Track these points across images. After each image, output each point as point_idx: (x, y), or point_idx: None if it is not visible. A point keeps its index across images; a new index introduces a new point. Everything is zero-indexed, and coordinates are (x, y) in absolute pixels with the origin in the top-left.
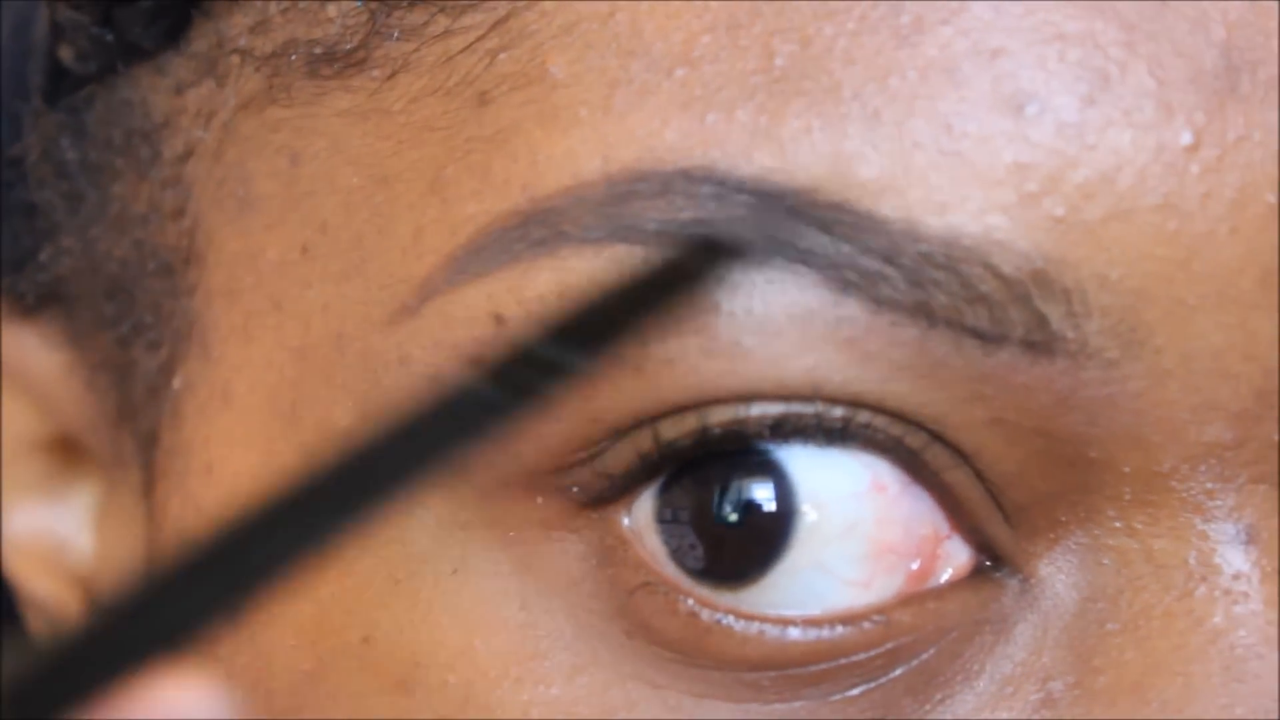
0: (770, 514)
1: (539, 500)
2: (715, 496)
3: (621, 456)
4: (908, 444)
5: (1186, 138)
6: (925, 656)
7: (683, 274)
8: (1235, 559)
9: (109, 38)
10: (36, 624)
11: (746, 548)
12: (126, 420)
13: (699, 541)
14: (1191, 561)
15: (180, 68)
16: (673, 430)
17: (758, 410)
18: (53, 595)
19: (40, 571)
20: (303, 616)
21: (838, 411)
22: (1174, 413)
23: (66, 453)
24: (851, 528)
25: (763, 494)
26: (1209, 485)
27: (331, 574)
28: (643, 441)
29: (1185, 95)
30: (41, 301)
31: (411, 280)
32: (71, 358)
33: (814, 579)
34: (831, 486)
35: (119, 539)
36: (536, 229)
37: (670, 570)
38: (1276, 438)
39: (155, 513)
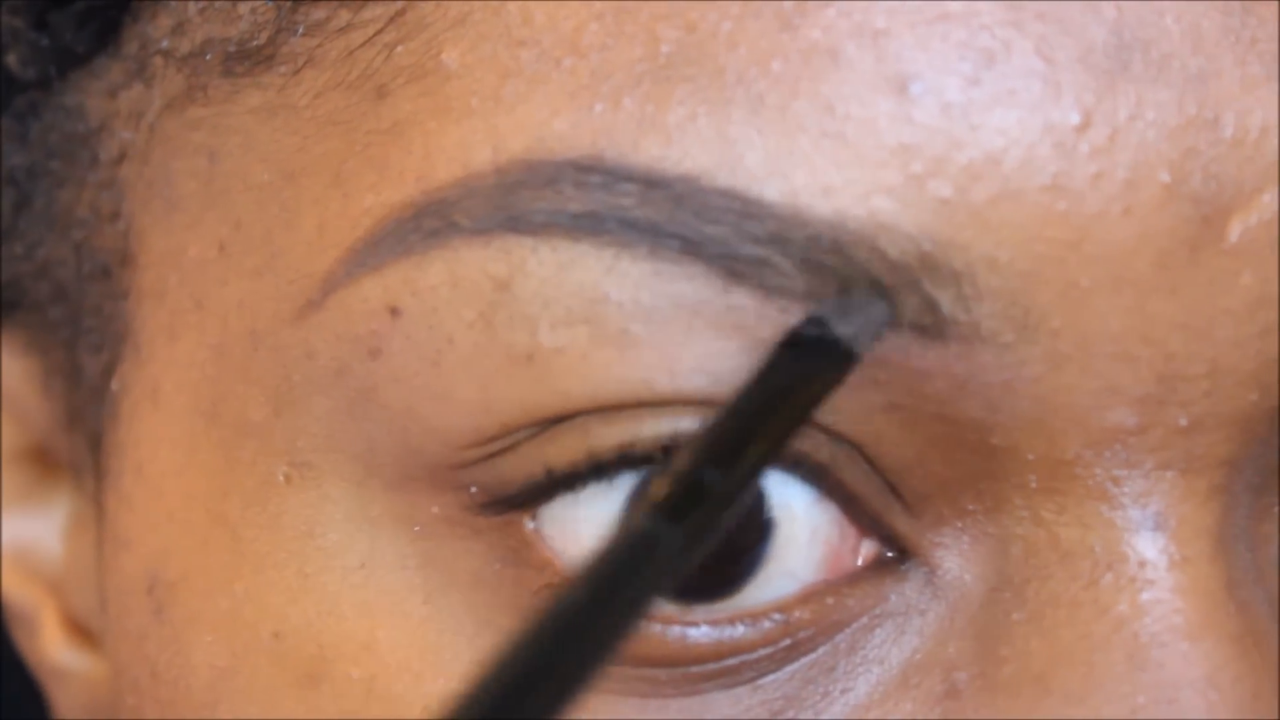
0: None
1: (442, 498)
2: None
3: (515, 476)
4: (798, 446)
5: (1075, 117)
6: (826, 649)
7: (811, 374)
8: (1142, 546)
9: (45, 43)
10: (19, 634)
11: (724, 565)
12: (77, 424)
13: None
14: (1098, 549)
15: (113, 71)
16: (561, 457)
17: (649, 429)
18: (30, 604)
19: (20, 580)
20: (218, 611)
21: None
22: (1075, 398)
23: (44, 463)
24: (815, 533)
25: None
26: (1115, 472)
27: (245, 569)
28: (533, 467)
29: (1074, 74)
30: (4, 310)
31: (315, 275)
32: (31, 364)
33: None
34: (797, 495)
35: (80, 546)
36: (429, 220)
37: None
38: (1182, 423)
39: (100, 516)
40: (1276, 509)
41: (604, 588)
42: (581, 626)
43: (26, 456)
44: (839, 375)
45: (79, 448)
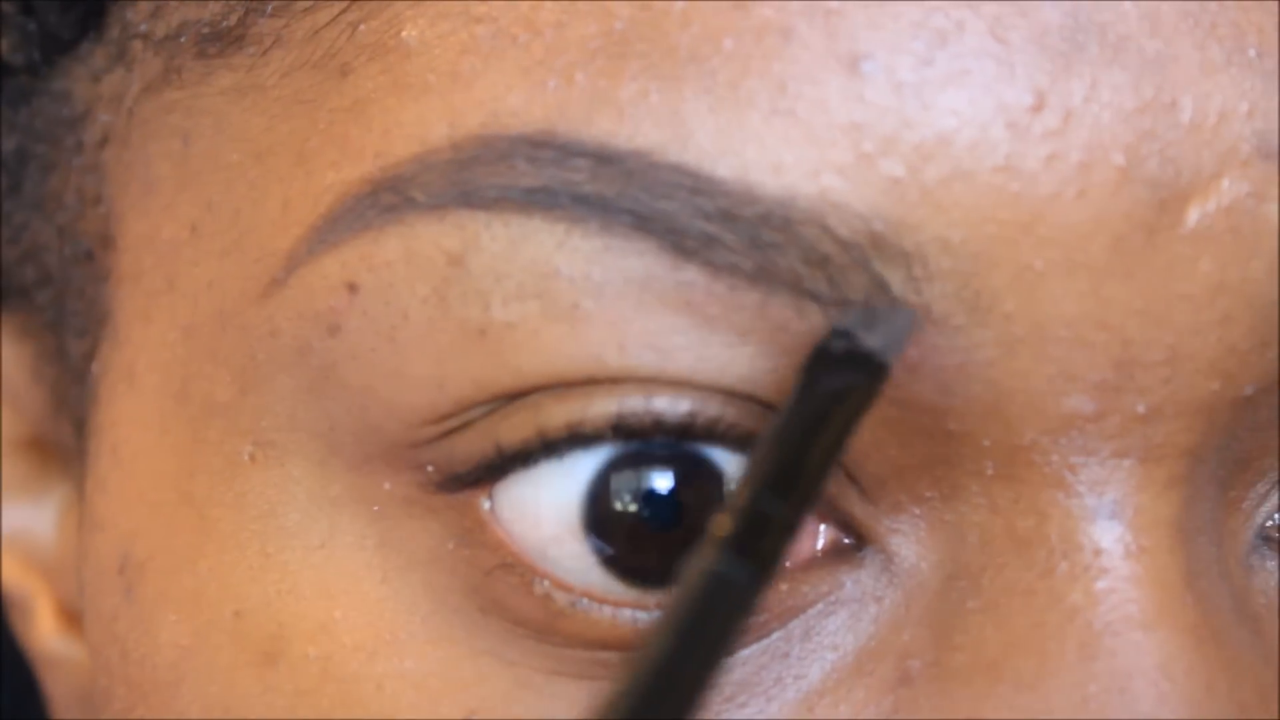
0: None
1: (399, 477)
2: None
3: (467, 455)
4: (746, 426)
5: (1028, 98)
6: (780, 635)
7: (846, 389)
8: (1099, 535)
9: (33, 28)
10: (17, 622)
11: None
12: (64, 409)
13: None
14: (1054, 538)
15: (96, 56)
16: (512, 434)
17: (597, 409)
18: (26, 592)
19: (18, 568)
20: (184, 590)
21: (683, 407)
22: (1029, 383)
23: (42, 452)
24: None
25: (662, 483)
26: (1072, 459)
27: (210, 548)
28: (485, 447)
29: (1028, 55)
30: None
31: (280, 253)
32: (23, 350)
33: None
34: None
35: (72, 534)
36: (386, 196)
37: (530, 554)
38: (1140, 410)
39: (81, 500)
40: (1245, 503)
41: (688, 634)
42: (671, 675)
43: (25, 446)
44: (873, 388)
45: (66, 433)
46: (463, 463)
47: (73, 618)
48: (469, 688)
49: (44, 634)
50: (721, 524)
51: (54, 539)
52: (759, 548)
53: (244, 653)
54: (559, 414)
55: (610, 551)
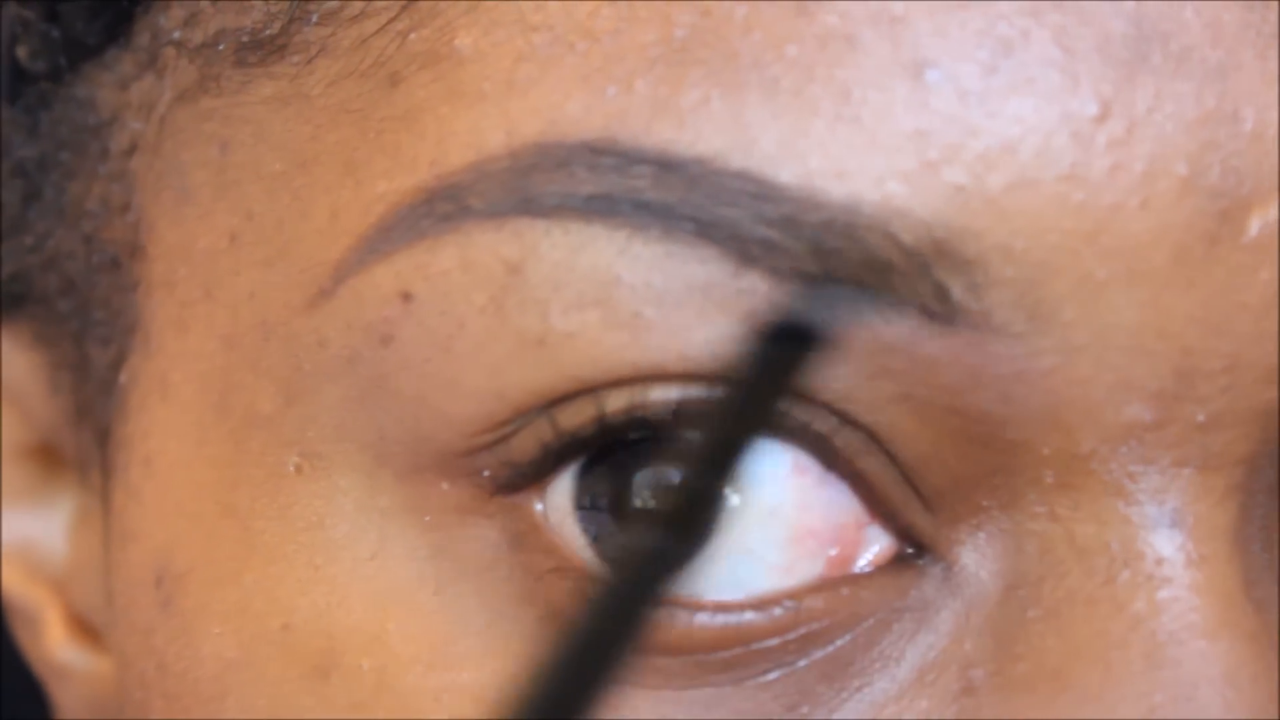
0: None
1: (453, 485)
2: (631, 483)
3: (525, 444)
4: (815, 429)
5: (1093, 108)
6: (841, 643)
7: (780, 368)
8: (1160, 544)
9: (56, 34)
10: (21, 632)
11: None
12: (85, 419)
13: (619, 529)
14: (1114, 547)
15: (124, 62)
16: (571, 419)
17: (658, 394)
18: (33, 603)
19: (23, 579)
20: (227, 603)
21: None
22: (1089, 391)
23: (49, 460)
24: (772, 512)
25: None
26: (1131, 468)
27: (255, 561)
28: (543, 431)
29: (1092, 65)
30: (10, 303)
31: (328, 263)
32: (38, 358)
33: (735, 563)
34: (752, 470)
35: (86, 543)
36: (442, 204)
37: (585, 557)
38: (1199, 419)
39: (108, 510)
40: None
41: (614, 610)
42: (590, 655)
43: (30, 453)
44: (804, 361)
45: (86, 443)
46: (519, 461)
47: (85, 628)
48: None
49: (54, 645)
50: (652, 499)
51: (63, 548)
52: (688, 522)
53: (294, 666)
54: (619, 399)
55: None
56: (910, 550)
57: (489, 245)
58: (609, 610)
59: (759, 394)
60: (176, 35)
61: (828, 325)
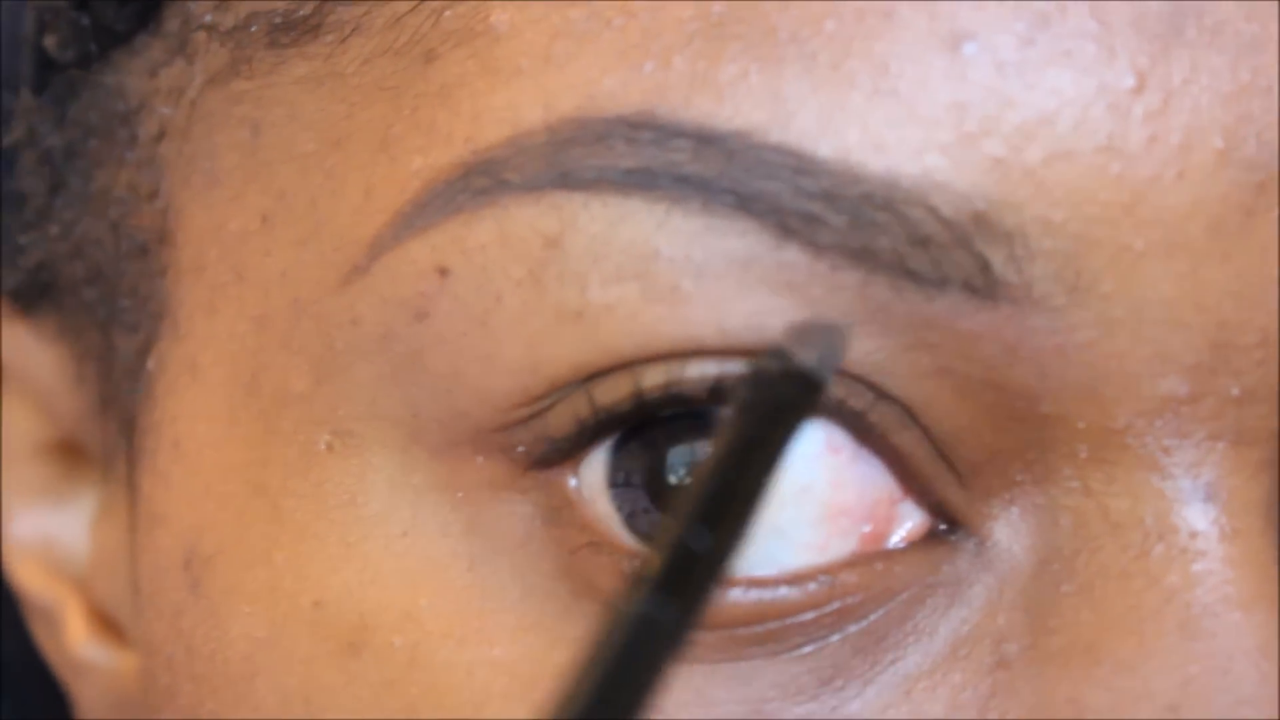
0: None
1: (487, 460)
2: (667, 460)
3: (561, 420)
4: (851, 405)
5: (1129, 80)
6: (874, 617)
7: (780, 410)
8: (1193, 517)
9: (85, 22)
10: (39, 629)
11: None
12: (110, 408)
13: (653, 506)
14: (1149, 520)
15: (153, 49)
16: (608, 394)
17: (695, 370)
18: (54, 600)
19: (42, 576)
20: (257, 582)
21: None
22: (1126, 364)
23: (70, 456)
24: (805, 490)
25: None
26: (1166, 441)
27: (285, 539)
28: (580, 406)
29: (1128, 37)
30: (34, 296)
31: (362, 240)
32: (62, 351)
33: (769, 542)
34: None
35: (110, 536)
36: (478, 179)
37: (619, 533)
38: (1234, 393)
39: (134, 498)
40: None
41: (608, 681)
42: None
43: (51, 450)
44: (808, 406)
45: (111, 433)
46: (555, 436)
47: (107, 624)
48: (561, 675)
49: (75, 642)
50: (649, 563)
51: (85, 544)
52: (685, 586)
53: (325, 643)
54: (656, 375)
55: None
56: (943, 526)
57: (526, 219)
58: (603, 689)
59: (758, 447)
60: (207, 19)
61: (823, 367)
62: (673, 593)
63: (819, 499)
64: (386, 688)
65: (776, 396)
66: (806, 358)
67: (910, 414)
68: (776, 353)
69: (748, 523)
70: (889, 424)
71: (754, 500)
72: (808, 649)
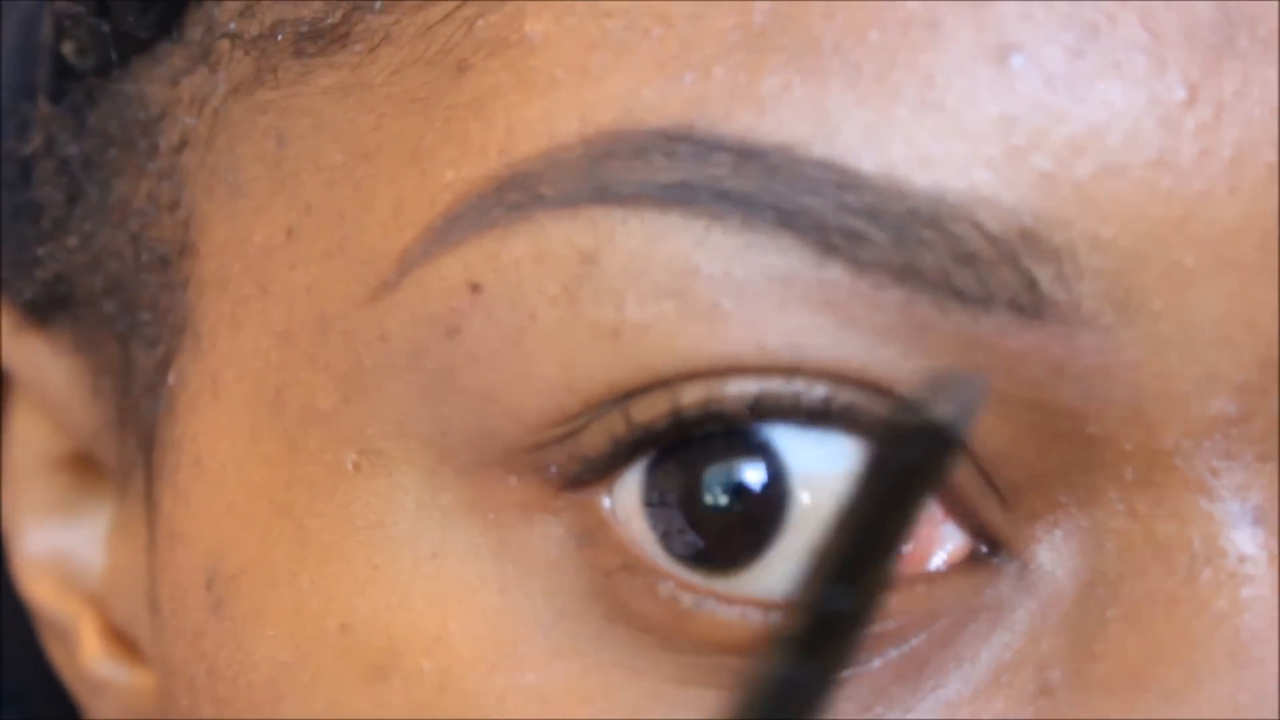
0: (761, 497)
1: (518, 481)
2: (703, 480)
3: (596, 439)
4: None
5: (1180, 93)
6: (915, 642)
7: (915, 467)
8: (1242, 541)
9: (105, 29)
10: (53, 646)
11: (738, 532)
12: (128, 422)
13: (688, 526)
14: (1196, 544)
15: (175, 56)
16: (645, 413)
17: (734, 388)
18: (68, 616)
19: (56, 592)
20: (282, 604)
21: (818, 391)
22: (1175, 385)
23: (84, 471)
24: None
25: (753, 476)
26: (1214, 463)
27: (311, 561)
28: (615, 424)
29: (1179, 49)
30: (51, 308)
31: (391, 255)
32: (78, 364)
33: (807, 564)
34: (825, 467)
35: (126, 552)
36: (512, 193)
37: (654, 554)
38: None
39: (153, 515)
40: None
41: None
42: None
43: (65, 464)
44: (944, 463)
45: (128, 448)
46: (589, 455)
47: (123, 640)
48: (596, 700)
49: (89, 659)
50: (788, 621)
51: (100, 560)
52: (825, 646)
53: (352, 667)
54: (694, 392)
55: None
56: (985, 549)
57: (562, 234)
58: None
59: (894, 504)
60: (231, 27)
61: (959, 422)
62: (813, 653)
63: None
64: (415, 712)
65: (911, 451)
66: (943, 411)
67: None
68: (912, 405)
69: (887, 580)
70: None
71: (891, 558)
72: (845, 675)
